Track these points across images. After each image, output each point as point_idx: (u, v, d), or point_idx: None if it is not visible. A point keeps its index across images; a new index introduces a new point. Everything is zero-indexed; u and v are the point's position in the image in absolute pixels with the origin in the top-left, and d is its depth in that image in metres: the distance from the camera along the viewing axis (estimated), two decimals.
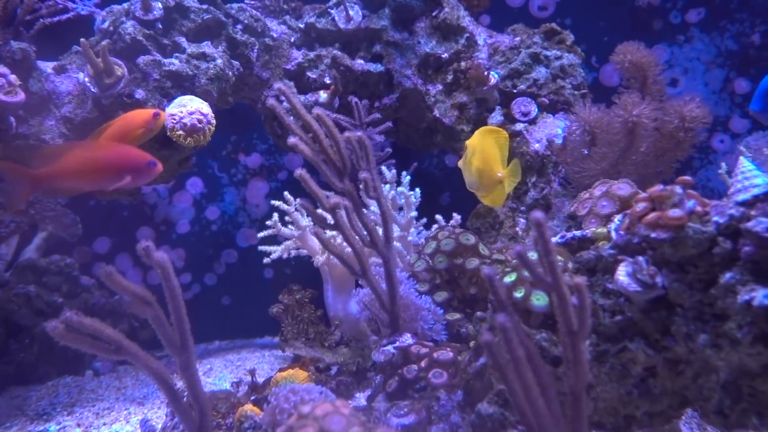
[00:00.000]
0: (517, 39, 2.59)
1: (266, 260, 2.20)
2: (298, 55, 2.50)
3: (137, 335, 3.00)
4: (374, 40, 2.55)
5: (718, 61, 3.39)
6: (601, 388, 1.32)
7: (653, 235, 1.28)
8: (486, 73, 2.40)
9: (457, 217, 2.18)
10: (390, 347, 1.59)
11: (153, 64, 1.99)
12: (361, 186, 1.57)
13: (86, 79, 1.91)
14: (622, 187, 1.65)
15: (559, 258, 1.49)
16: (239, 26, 2.32)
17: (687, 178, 1.34)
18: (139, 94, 1.95)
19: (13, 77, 1.72)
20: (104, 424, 1.83)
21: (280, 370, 1.82)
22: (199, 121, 1.85)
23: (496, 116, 2.40)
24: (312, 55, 2.51)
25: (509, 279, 1.40)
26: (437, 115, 2.53)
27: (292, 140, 1.45)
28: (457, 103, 2.53)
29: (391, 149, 3.18)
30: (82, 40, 1.83)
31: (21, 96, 1.73)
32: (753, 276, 1.22)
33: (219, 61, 2.11)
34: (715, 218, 1.26)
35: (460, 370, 1.49)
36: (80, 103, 1.94)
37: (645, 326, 1.31)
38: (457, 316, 1.73)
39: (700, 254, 1.27)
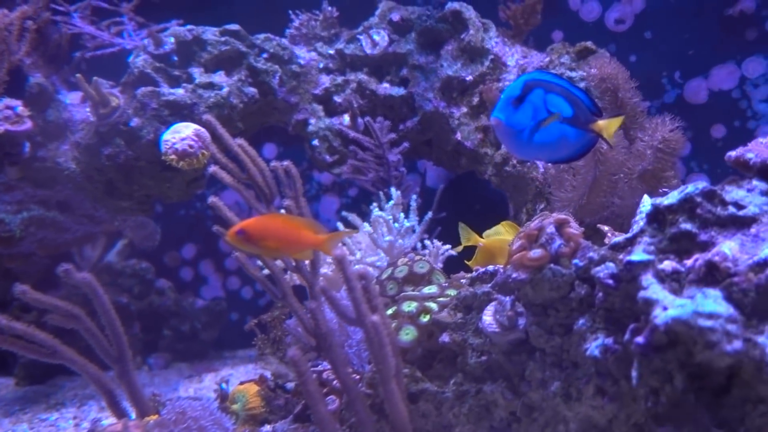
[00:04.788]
0: (547, 59, 2.50)
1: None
2: (326, 80, 2.62)
3: (198, 335, 3.28)
4: (401, 63, 2.60)
5: None
6: (459, 429, 1.29)
7: (514, 275, 1.24)
8: (499, 95, 2.35)
9: (438, 243, 2.15)
10: None
11: (151, 95, 2.20)
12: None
13: (88, 110, 2.17)
14: (561, 218, 1.57)
15: (453, 292, 1.47)
16: (264, 55, 2.48)
17: (562, 216, 1.27)
18: (134, 122, 2.17)
19: (21, 109, 2.01)
20: (98, 418, 2.05)
21: (241, 383, 1.93)
22: (191, 147, 2.02)
23: None
24: (339, 80, 2.61)
25: (389, 311, 1.41)
26: (459, 138, 2.52)
27: (212, 169, 1.56)
28: (481, 126, 2.51)
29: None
30: (78, 75, 2.08)
31: (27, 125, 2.01)
32: (605, 324, 1.14)
33: (224, 90, 2.28)
34: (575, 261, 1.19)
35: None
36: (89, 131, 2.21)
37: (509, 369, 1.27)
38: None
39: (561, 298, 1.21)
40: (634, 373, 1.03)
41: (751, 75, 3.02)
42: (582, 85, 2.32)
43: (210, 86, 2.29)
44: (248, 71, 2.43)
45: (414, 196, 2.36)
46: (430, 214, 2.35)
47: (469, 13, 2.55)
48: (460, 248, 1.83)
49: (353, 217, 2.39)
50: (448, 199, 2.77)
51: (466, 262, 1.73)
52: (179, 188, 2.34)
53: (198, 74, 2.32)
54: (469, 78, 2.52)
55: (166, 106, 2.22)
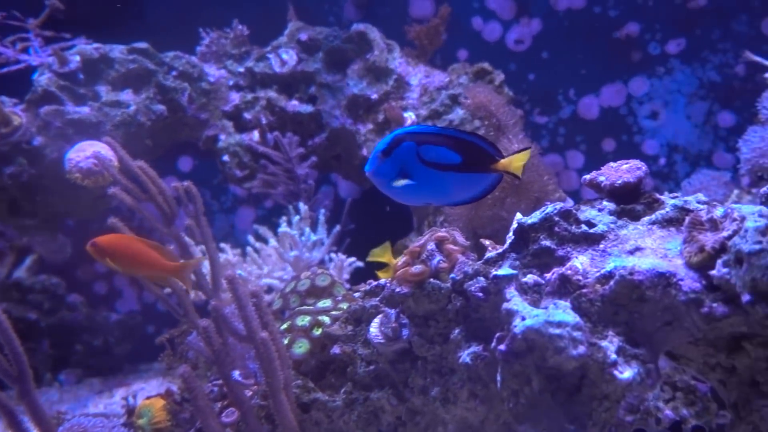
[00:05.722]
0: (447, 79, 2.64)
1: None
2: (236, 97, 2.68)
3: (112, 350, 3.26)
4: (310, 82, 2.69)
5: (700, 93, 3.28)
6: None
7: (398, 289, 1.34)
8: (401, 114, 2.48)
9: (342, 256, 2.25)
10: (210, 384, 1.70)
11: (54, 113, 2.23)
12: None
13: None
14: (441, 236, 1.69)
15: (345, 306, 1.56)
16: (173, 72, 2.53)
17: (442, 233, 1.38)
18: (37, 141, 2.19)
19: None
20: None
21: (147, 398, 1.96)
22: (95, 165, 2.05)
23: None
24: (249, 97, 2.68)
25: (283, 327, 1.48)
26: (365, 154, 2.62)
27: (111, 190, 1.60)
28: None
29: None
30: None
31: None
32: (476, 333, 1.26)
33: (132, 108, 2.33)
34: (452, 275, 1.30)
35: None
36: None
37: (394, 377, 1.37)
38: None
39: (440, 310, 1.31)
40: (498, 377, 1.15)
41: (636, 93, 3.27)
42: (461, 112, 2.46)
43: (117, 104, 2.32)
44: (157, 89, 2.47)
45: (322, 210, 2.45)
46: (338, 227, 2.44)
47: (374, 34, 2.67)
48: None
49: (264, 230, 2.46)
50: (358, 211, 2.88)
51: (377, 272, 1.83)
52: (86, 205, 2.36)
53: (105, 92, 2.34)
54: (374, 96, 2.63)
55: (71, 125, 2.24)
